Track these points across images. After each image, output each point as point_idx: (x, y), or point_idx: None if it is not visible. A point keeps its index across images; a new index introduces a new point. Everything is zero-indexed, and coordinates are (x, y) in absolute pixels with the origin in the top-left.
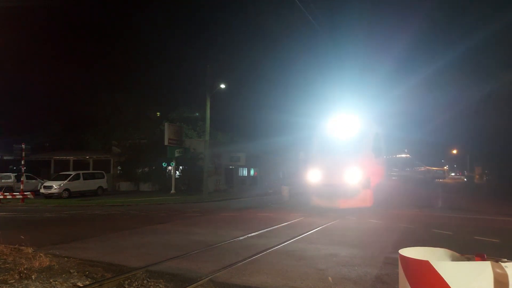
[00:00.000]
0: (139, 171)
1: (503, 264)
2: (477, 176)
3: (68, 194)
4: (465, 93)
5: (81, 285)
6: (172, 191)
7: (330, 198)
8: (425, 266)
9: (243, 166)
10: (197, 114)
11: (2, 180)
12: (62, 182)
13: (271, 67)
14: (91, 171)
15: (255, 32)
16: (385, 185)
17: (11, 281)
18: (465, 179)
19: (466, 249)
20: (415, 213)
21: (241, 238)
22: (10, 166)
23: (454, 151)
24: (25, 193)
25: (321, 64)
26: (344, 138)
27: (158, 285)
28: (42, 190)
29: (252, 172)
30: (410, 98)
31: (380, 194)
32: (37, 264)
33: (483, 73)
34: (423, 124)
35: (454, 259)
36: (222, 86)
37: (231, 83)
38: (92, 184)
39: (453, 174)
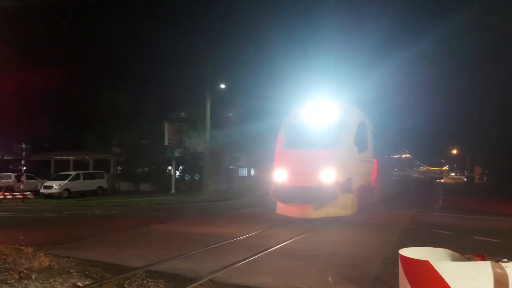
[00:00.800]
0: (139, 171)
1: (503, 264)
2: (477, 176)
3: (68, 194)
4: (464, 93)
5: (81, 285)
6: (172, 191)
7: (299, 204)
8: (425, 266)
9: (243, 166)
10: (196, 114)
11: (2, 180)
12: (62, 182)
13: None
14: (91, 171)
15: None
16: (379, 186)
17: (11, 281)
18: (465, 179)
19: (466, 249)
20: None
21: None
22: (10, 166)
23: (454, 151)
24: (25, 193)
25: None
26: (318, 127)
27: (158, 285)
28: (42, 190)
29: (252, 172)
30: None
31: (368, 198)
32: (37, 264)
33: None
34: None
35: (454, 259)
36: (222, 86)
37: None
38: (92, 184)
39: (453, 174)
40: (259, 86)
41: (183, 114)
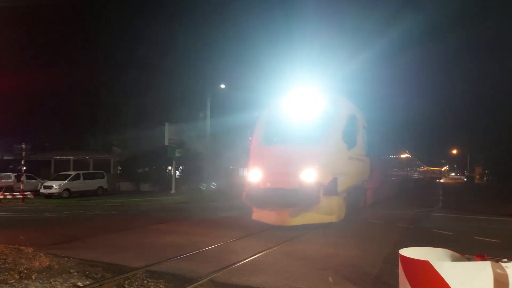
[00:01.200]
0: (139, 171)
1: (503, 264)
2: (477, 176)
3: (68, 194)
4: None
5: (81, 285)
6: (173, 191)
7: (277, 209)
8: (425, 266)
9: (243, 166)
10: (197, 114)
11: (2, 180)
12: (62, 182)
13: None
14: (91, 171)
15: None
16: (374, 188)
17: (11, 281)
18: (465, 179)
19: (467, 249)
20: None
21: None
22: (10, 166)
23: (454, 151)
24: (25, 193)
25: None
26: (301, 120)
27: (158, 285)
28: (42, 190)
29: None
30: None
31: (360, 200)
32: (37, 264)
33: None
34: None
35: (454, 259)
36: (222, 86)
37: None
38: (92, 184)
39: (453, 174)
40: (253, 79)
41: (183, 114)
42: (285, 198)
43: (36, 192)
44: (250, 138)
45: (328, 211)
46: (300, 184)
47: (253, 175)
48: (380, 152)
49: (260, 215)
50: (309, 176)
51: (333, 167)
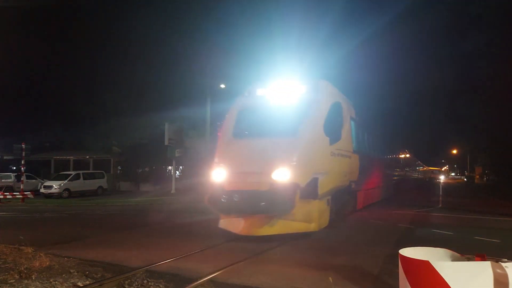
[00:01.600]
0: (139, 171)
1: (503, 264)
2: (477, 176)
3: (68, 194)
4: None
5: (81, 285)
6: (173, 191)
7: (244, 215)
8: (425, 266)
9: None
10: (196, 113)
11: (2, 180)
12: (62, 182)
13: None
14: (91, 171)
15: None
16: (366, 189)
17: (11, 281)
18: (465, 179)
19: (467, 249)
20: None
21: None
22: (10, 166)
23: (454, 151)
24: (25, 193)
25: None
26: (277, 109)
27: (158, 285)
28: (42, 190)
29: None
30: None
31: (348, 204)
32: (37, 264)
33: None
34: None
35: (454, 259)
36: (222, 86)
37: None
38: (92, 184)
39: (453, 174)
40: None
41: (183, 114)
42: (253, 202)
43: (36, 192)
44: (219, 131)
45: (306, 218)
46: (271, 186)
47: (217, 175)
48: (373, 149)
49: (228, 223)
50: (283, 175)
51: (312, 165)
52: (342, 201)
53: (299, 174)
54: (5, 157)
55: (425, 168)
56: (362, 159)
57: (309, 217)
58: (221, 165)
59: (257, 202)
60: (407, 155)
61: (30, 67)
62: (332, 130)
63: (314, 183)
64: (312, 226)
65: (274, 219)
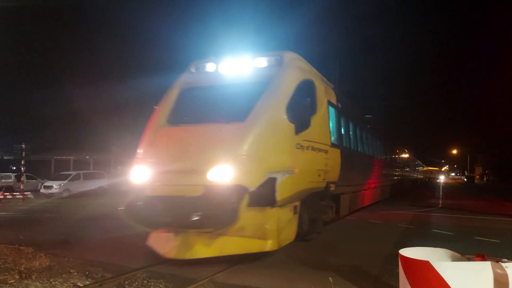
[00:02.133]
0: None
1: (503, 264)
2: (477, 176)
3: (68, 194)
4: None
5: (81, 285)
6: None
7: (172, 229)
8: (425, 266)
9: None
10: None
11: (2, 180)
12: (62, 182)
13: None
14: (91, 171)
15: None
16: (353, 191)
17: (11, 281)
18: (465, 179)
19: (467, 250)
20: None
21: None
22: (10, 166)
23: (454, 151)
24: (25, 193)
25: None
26: (226, 88)
27: (158, 285)
28: (42, 190)
29: None
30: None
31: (324, 211)
32: (37, 264)
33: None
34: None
35: (454, 259)
36: None
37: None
38: (92, 184)
39: (453, 174)
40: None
41: None
42: (181, 213)
43: (36, 192)
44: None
45: (258, 234)
46: (206, 189)
47: (138, 174)
48: (364, 145)
49: (156, 240)
50: (223, 175)
51: (268, 161)
52: (318, 208)
53: (246, 173)
54: (5, 157)
55: (425, 168)
56: (346, 156)
57: (263, 232)
58: (144, 161)
59: (186, 213)
60: (405, 154)
61: (31, 66)
62: (299, 115)
63: (270, 185)
64: (269, 244)
65: (212, 236)
